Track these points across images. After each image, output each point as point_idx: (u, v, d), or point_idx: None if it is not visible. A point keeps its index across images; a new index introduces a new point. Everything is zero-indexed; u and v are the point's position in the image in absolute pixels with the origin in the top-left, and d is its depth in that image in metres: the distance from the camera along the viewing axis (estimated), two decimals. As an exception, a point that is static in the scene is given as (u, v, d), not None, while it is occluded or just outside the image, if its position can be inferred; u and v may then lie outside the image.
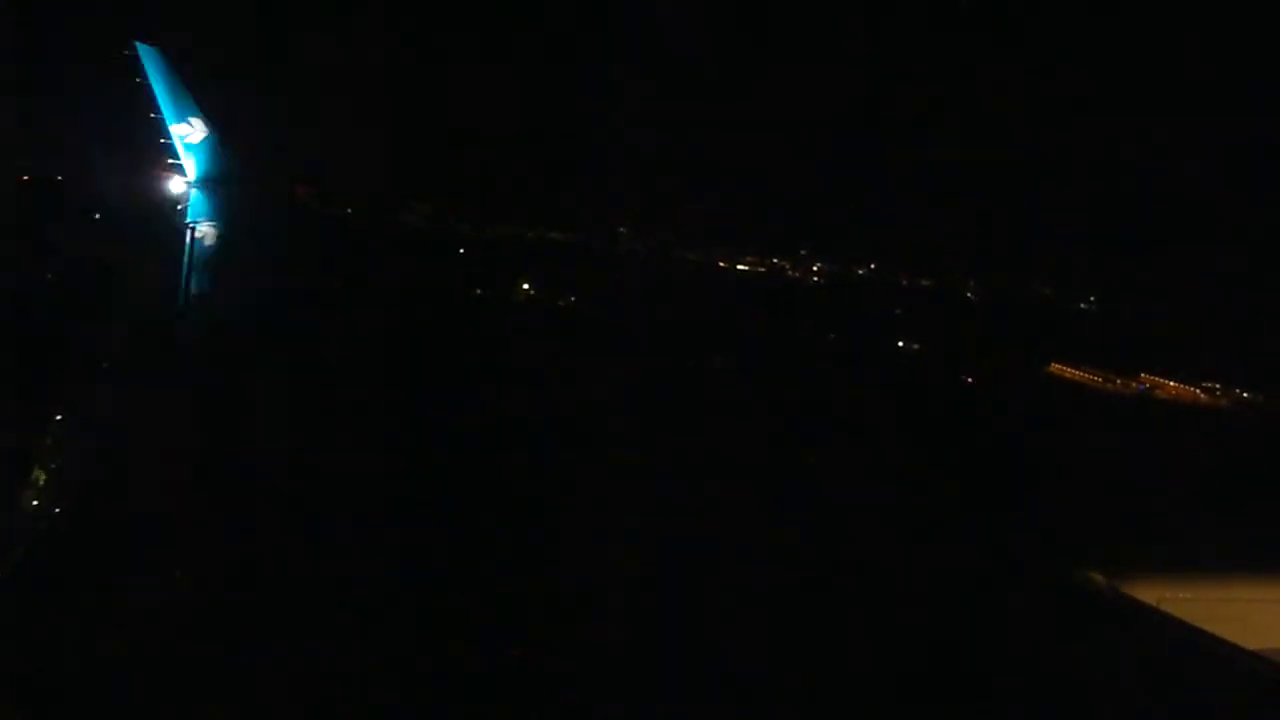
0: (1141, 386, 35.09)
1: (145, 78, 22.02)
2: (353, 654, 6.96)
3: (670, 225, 46.21)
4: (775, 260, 47.93)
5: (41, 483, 9.67)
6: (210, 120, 23.26)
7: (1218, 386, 35.69)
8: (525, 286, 29.47)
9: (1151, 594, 4.93)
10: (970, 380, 34.07)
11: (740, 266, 46.19)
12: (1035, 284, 50.20)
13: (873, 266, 50.09)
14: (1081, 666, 4.60)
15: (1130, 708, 4.39)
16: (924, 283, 50.22)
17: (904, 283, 49.85)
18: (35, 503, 9.69)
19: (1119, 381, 34.74)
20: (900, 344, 35.83)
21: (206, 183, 23.26)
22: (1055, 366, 35.50)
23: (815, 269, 48.50)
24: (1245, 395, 35.59)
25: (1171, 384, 35.44)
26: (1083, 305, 49.05)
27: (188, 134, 23.13)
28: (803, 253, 48.75)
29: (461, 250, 35.70)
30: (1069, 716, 4.46)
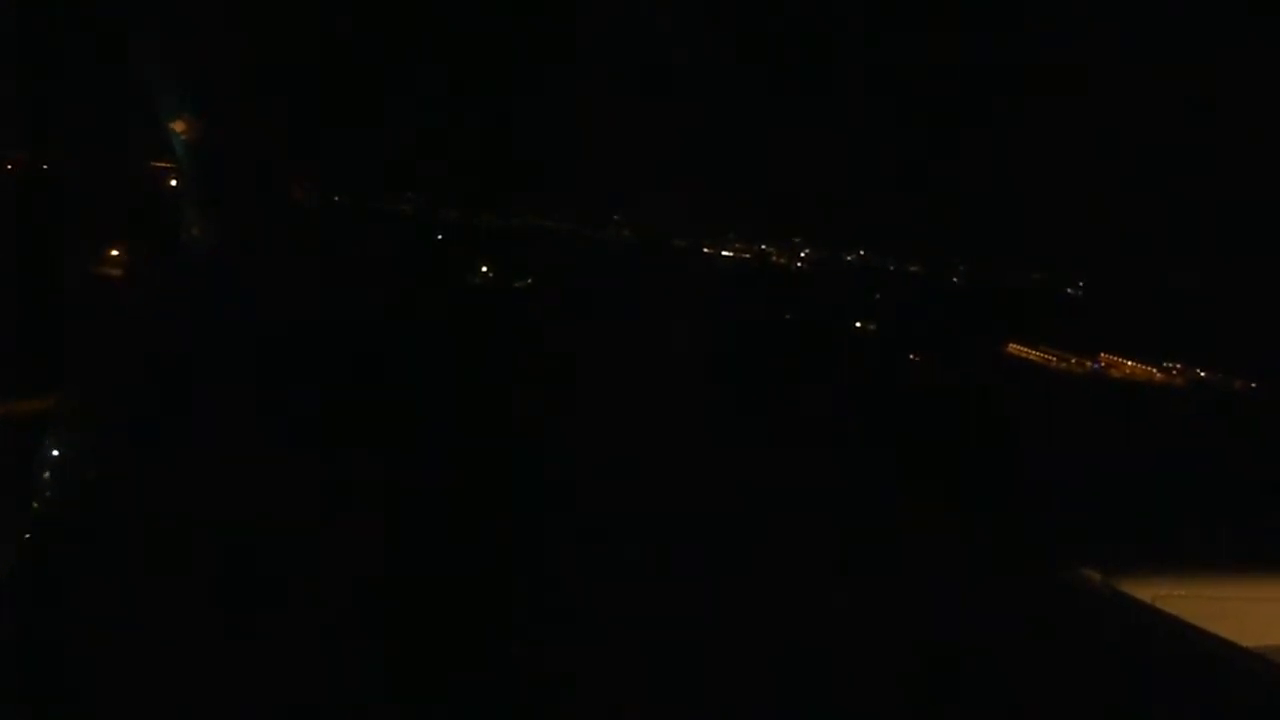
0: (1097, 365, 35.37)
1: (143, 74, 23.51)
2: (350, 655, 6.99)
3: (657, 211, 47.12)
4: (763, 246, 48.75)
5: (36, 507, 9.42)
6: (208, 119, 24.67)
7: (1177, 367, 35.83)
8: (484, 269, 30.90)
9: (1147, 591, 4.84)
10: (939, 362, 34.58)
11: (725, 252, 47.17)
12: (1021, 269, 50.37)
13: (861, 253, 50.74)
14: (1076, 665, 4.57)
15: (1126, 707, 4.37)
16: (912, 268, 50.74)
17: (890, 268, 50.43)
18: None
19: (1074, 361, 35.05)
20: (859, 324, 36.46)
21: (204, 182, 24.59)
22: (1014, 347, 35.95)
23: (802, 255, 49.26)
24: (1203, 375, 35.69)
25: (1129, 364, 35.71)
26: (1070, 290, 49.19)
27: (184, 132, 24.55)
28: (796, 240, 49.50)
29: (440, 236, 37.06)
30: (1064, 716, 4.45)
